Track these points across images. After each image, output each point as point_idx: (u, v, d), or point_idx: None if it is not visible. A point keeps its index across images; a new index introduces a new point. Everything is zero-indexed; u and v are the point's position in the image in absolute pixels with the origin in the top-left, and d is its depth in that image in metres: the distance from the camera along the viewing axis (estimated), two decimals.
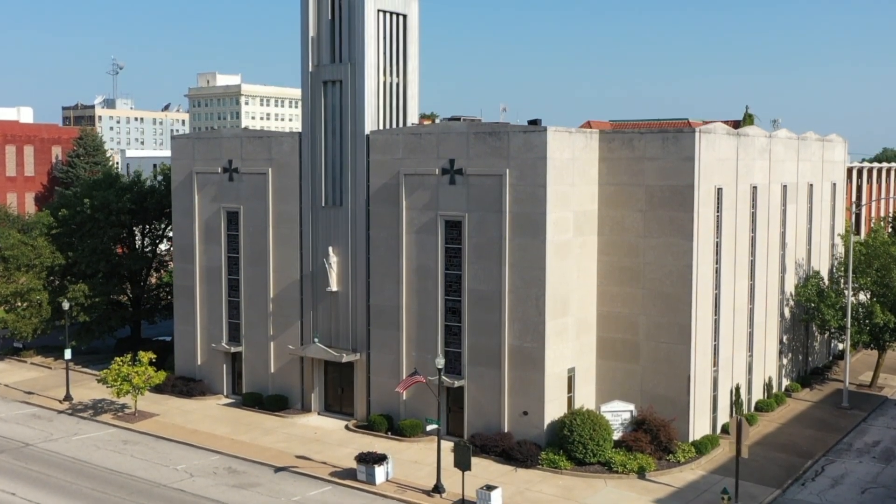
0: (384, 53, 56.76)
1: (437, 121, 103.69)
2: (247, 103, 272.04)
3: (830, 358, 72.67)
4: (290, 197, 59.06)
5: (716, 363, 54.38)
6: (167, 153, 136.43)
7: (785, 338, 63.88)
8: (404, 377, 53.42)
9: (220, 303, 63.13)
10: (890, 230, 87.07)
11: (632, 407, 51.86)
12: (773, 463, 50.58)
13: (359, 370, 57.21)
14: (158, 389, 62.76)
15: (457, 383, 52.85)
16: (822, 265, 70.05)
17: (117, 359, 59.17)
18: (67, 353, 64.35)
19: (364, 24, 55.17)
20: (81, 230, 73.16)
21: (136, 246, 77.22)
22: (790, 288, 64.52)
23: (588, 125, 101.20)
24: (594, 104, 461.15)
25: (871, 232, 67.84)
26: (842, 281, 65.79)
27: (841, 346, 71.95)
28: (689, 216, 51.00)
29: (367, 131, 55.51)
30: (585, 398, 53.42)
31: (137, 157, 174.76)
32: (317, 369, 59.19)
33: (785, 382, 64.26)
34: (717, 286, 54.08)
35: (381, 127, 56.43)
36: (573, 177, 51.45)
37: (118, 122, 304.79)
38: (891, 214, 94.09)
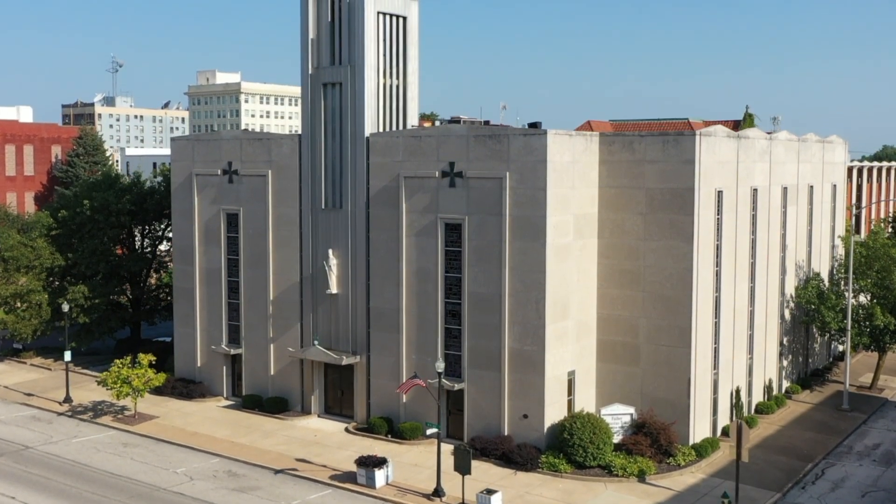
0: (384, 55, 56.68)
1: (437, 121, 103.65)
2: (246, 101, 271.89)
3: (830, 359, 72.65)
4: (289, 199, 58.99)
5: (716, 366, 54.35)
6: (167, 151, 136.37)
7: (785, 340, 63.84)
8: (405, 380, 53.44)
9: (220, 305, 63.08)
10: (890, 230, 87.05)
11: (632, 410, 51.83)
12: (773, 466, 50.56)
13: (359, 373, 57.18)
14: (158, 391, 62.70)
15: (457, 386, 52.82)
16: (823, 267, 70.01)
17: (117, 361, 59.15)
18: (67, 355, 64.32)
19: (364, 27, 55.09)
20: (81, 231, 73.09)
21: (136, 247, 77.15)
22: (790, 290, 64.48)
23: (588, 125, 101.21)
24: (594, 102, 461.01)
25: (872, 234, 67.74)
26: (842, 283, 65.74)
27: (841, 348, 71.91)
28: (690, 219, 50.95)
29: (366, 133, 55.44)
30: (585, 401, 53.40)
31: (137, 156, 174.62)
32: (317, 371, 59.15)
33: (785, 384, 64.24)
34: (718, 289, 54.03)
35: (380, 129, 56.36)
36: (573, 180, 51.39)
37: (118, 119, 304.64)
38: (891, 215, 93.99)
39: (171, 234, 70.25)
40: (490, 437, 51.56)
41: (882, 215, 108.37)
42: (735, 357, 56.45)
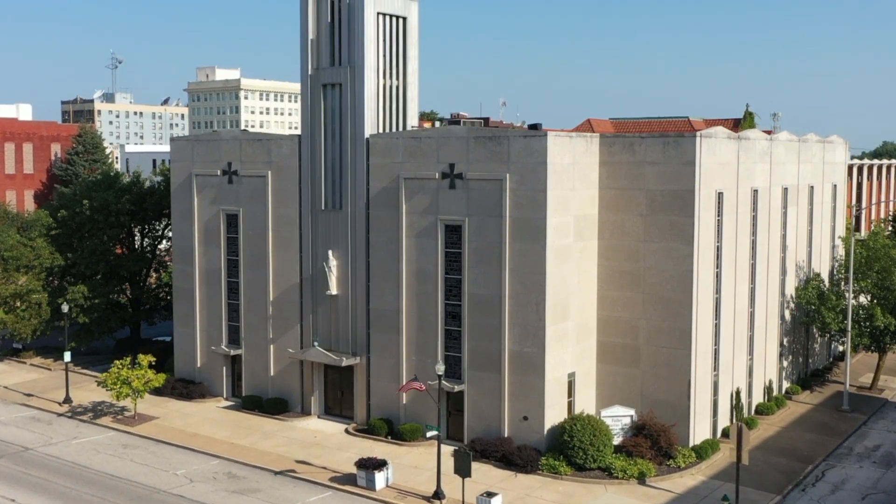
0: (384, 56, 56.57)
1: (437, 119, 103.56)
2: (246, 98, 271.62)
3: (831, 359, 72.61)
4: (289, 200, 58.92)
5: (716, 367, 54.31)
6: (166, 148, 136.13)
7: (785, 340, 63.80)
8: (404, 382, 53.45)
9: (220, 305, 63.03)
10: (890, 229, 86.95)
11: (632, 412, 51.80)
12: (773, 468, 50.53)
13: (359, 374, 57.14)
14: (158, 391, 62.60)
15: (457, 388, 52.79)
16: (823, 267, 69.95)
17: (117, 362, 59.11)
18: (67, 356, 64.26)
19: (364, 27, 54.97)
20: (81, 231, 73.02)
21: (136, 246, 77.06)
22: (791, 290, 64.43)
23: (588, 123, 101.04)
24: (594, 100, 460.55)
25: (872, 234, 67.65)
26: (842, 283, 65.68)
27: (841, 348, 71.88)
28: (690, 221, 50.87)
29: (366, 134, 55.34)
30: (586, 403, 53.36)
31: (137, 153, 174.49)
32: (317, 372, 59.11)
33: (785, 385, 64.20)
34: (718, 290, 53.98)
35: (380, 129, 56.27)
36: (573, 181, 51.31)
37: (117, 116, 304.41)
38: (891, 214, 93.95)
39: (170, 234, 70.19)
40: (490, 438, 51.54)
41: (882, 215, 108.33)
42: (735, 358, 56.41)
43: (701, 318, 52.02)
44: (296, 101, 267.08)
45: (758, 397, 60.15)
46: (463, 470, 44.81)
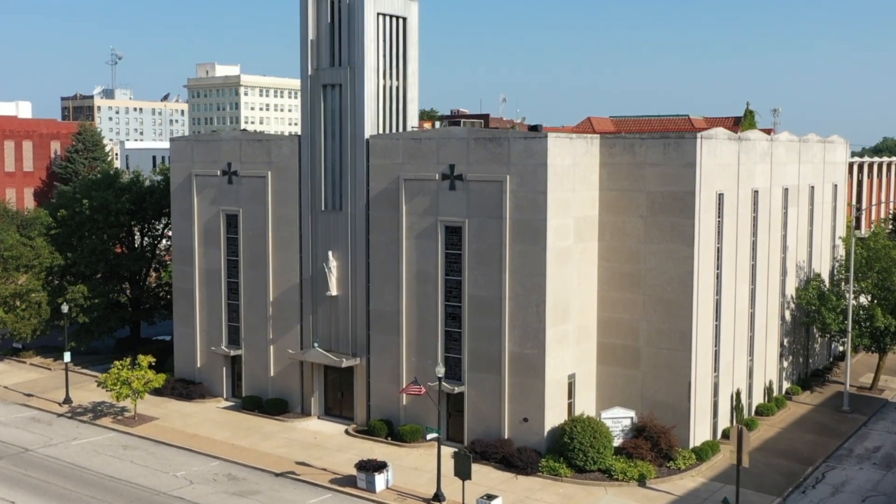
0: (384, 57, 56.45)
1: (437, 118, 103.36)
2: (246, 94, 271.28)
3: (831, 359, 72.56)
4: (289, 200, 58.84)
5: (716, 368, 54.27)
6: (166, 145, 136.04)
7: (786, 341, 63.75)
8: (404, 384, 53.48)
9: (220, 306, 62.98)
10: (890, 228, 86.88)
11: (632, 413, 51.76)
12: (773, 470, 50.51)
13: (359, 375, 57.10)
14: (158, 392, 62.52)
15: (457, 389, 52.75)
16: (823, 267, 69.88)
17: (116, 363, 59.09)
18: (67, 356, 64.22)
19: (364, 28, 54.85)
20: (80, 230, 72.94)
21: (136, 245, 77.00)
22: (791, 291, 64.37)
23: (588, 121, 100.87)
24: (594, 96, 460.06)
25: (872, 234, 67.55)
26: (843, 283, 65.61)
27: (841, 348, 71.85)
28: (691, 222, 50.80)
29: (366, 135, 55.25)
30: (586, 404, 53.33)
31: (137, 149, 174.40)
32: (317, 373, 59.07)
33: (785, 385, 64.17)
34: (718, 291, 53.92)
35: (380, 130, 56.17)
36: (574, 183, 51.23)
37: (117, 112, 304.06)
38: (891, 213, 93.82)
39: (170, 233, 70.12)
40: (490, 440, 51.51)
41: (882, 215, 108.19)
42: (735, 359, 56.37)
43: (701, 320, 51.97)
44: (296, 98, 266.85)
45: (758, 398, 60.12)
46: (463, 472, 44.78)
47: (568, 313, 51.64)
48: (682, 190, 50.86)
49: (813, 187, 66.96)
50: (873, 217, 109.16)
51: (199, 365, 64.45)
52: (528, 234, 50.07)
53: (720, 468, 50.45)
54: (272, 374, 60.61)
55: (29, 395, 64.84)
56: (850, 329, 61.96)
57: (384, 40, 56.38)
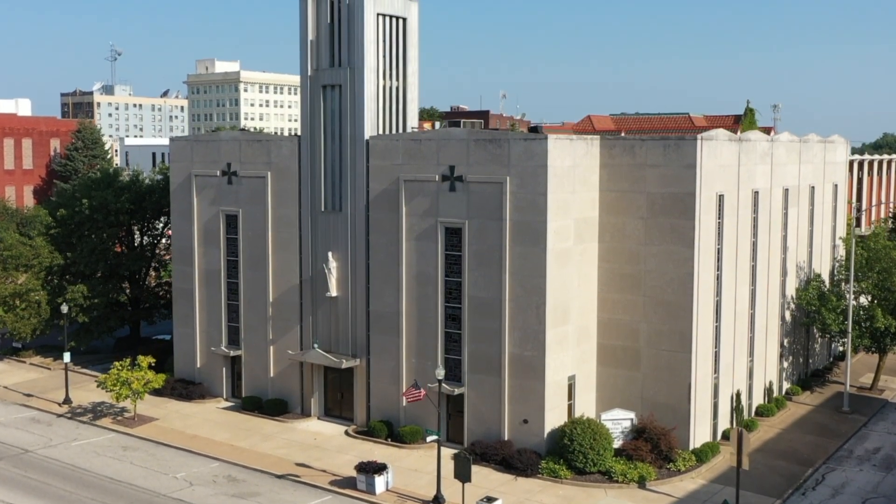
0: (384, 57, 56.34)
1: (437, 120, 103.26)
2: (245, 90, 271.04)
3: (831, 359, 72.52)
4: (289, 201, 58.76)
5: (716, 370, 54.23)
6: (166, 141, 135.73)
7: (786, 341, 63.71)
8: (404, 385, 53.51)
9: (220, 306, 62.93)
10: (890, 227, 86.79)
11: (632, 415, 51.73)
12: (773, 471, 50.49)
13: (358, 376, 57.07)
14: (158, 392, 62.42)
15: (457, 390, 52.72)
16: (824, 267, 69.82)
17: (116, 363, 59.07)
18: (66, 357, 64.17)
19: (363, 28, 54.73)
20: (80, 230, 72.85)
21: (135, 245, 76.92)
22: (791, 291, 64.31)
23: (588, 120, 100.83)
24: (595, 93, 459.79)
25: (872, 235, 67.45)
26: (843, 284, 65.53)
27: (841, 348, 71.82)
28: (691, 224, 50.74)
29: (366, 136, 55.16)
30: (586, 406, 53.30)
31: (136, 146, 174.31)
32: (316, 374, 59.04)
33: (785, 386, 64.14)
34: (719, 293, 53.87)
35: (380, 131, 56.08)
36: (574, 184, 51.16)
37: (116, 108, 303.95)
38: (891, 211, 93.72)
39: (170, 232, 70.05)
40: (490, 441, 51.48)
41: (883, 215, 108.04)
42: (735, 360, 56.33)
43: (701, 321, 51.92)
44: (296, 94, 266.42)
45: (758, 399, 60.09)
46: (463, 475, 44.76)
47: (568, 315, 51.60)
48: (682, 191, 50.79)
49: (813, 187, 66.88)
50: (873, 216, 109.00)
51: (198, 365, 64.42)
52: (529, 236, 50.01)
53: (720, 470, 50.43)
54: (272, 374, 60.58)
55: (29, 395, 64.82)
56: (850, 330, 61.91)
57: (384, 41, 56.26)
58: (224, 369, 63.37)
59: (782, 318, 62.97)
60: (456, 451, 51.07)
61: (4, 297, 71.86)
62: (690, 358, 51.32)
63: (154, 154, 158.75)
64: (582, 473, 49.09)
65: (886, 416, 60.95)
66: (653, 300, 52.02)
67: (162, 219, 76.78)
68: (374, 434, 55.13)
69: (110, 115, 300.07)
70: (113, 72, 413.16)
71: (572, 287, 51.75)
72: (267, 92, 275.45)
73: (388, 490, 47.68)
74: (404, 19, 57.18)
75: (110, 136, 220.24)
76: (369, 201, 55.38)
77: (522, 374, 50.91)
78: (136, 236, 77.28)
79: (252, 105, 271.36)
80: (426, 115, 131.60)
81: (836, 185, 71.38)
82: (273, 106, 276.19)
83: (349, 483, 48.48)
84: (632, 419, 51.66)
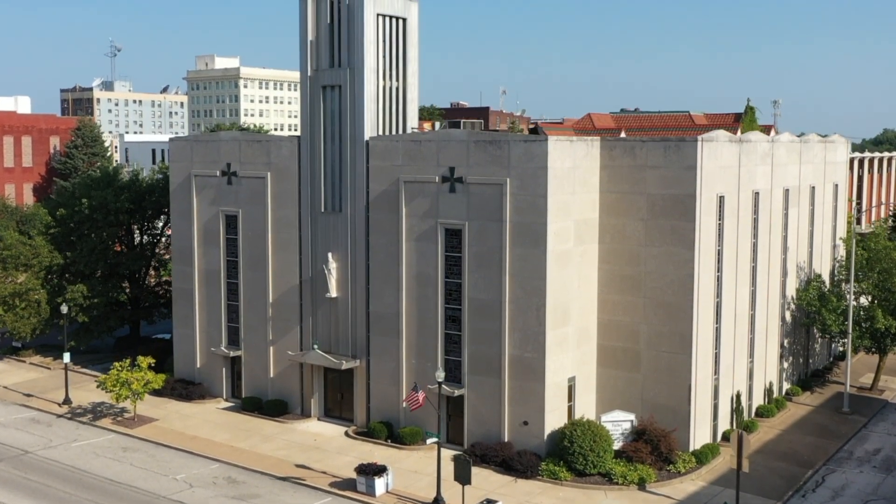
0: (384, 58, 56.22)
1: (437, 118, 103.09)
2: (245, 86, 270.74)
3: (831, 359, 72.49)
4: (289, 201, 58.68)
5: (717, 371, 54.20)
6: (166, 138, 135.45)
7: (786, 341, 63.67)
8: (404, 386, 53.54)
9: (219, 306, 62.87)
10: (891, 225, 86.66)
11: (632, 417, 51.69)
12: (773, 473, 50.47)
13: (358, 377, 57.04)
14: (158, 392, 62.29)
15: (457, 392, 52.69)
16: (824, 268, 69.76)
17: (116, 364, 59.04)
18: (66, 357, 64.11)
19: (363, 29, 54.60)
20: (80, 229, 72.79)
21: (135, 244, 76.85)
22: (791, 292, 64.26)
23: (588, 117, 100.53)
24: (595, 89, 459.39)
25: (873, 235, 67.37)
26: (843, 284, 65.46)
27: (841, 348, 71.78)
28: (691, 225, 50.67)
29: (366, 137, 55.07)
30: (586, 407, 53.27)
31: (136, 142, 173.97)
32: (316, 374, 59.00)
33: (785, 386, 64.11)
34: (719, 294, 53.81)
35: (380, 131, 55.99)
36: (574, 185, 51.08)
37: (116, 104, 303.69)
38: (891, 212, 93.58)
39: (170, 231, 69.98)
40: (490, 443, 51.45)
41: (883, 215, 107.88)
42: (736, 361, 56.30)
43: (702, 323, 51.88)
44: (295, 90, 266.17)
45: (758, 399, 60.06)
46: (463, 477, 44.75)
47: (568, 316, 51.55)
48: (682, 193, 50.73)
49: (814, 188, 66.81)
50: (874, 216, 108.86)
51: (198, 365, 64.38)
52: (529, 238, 49.95)
53: (720, 471, 50.41)
54: (272, 375, 60.54)
55: (28, 396, 64.79)
56: (850, 330, 61.86)
57: (384, 41, 56.14)
58: (224, 370, 63.33)
59: (782, 318, 62.92)
60: (456, 452, 51.14)
61: (4, 297, 71.76)
62: (690, 359, 51.28)
63: (154, 151, 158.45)
64: (582, 475, 49.06)
65: (886, 417, 60.91)
66: (653, 302, 51.97)
67: (162, 218, 76.72)
68: (374, 435, 55.11)
69: (110, 111, 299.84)
70: (113, 68, 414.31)
71: (572, 288, 51.70)
72: (267, 88, 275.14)
73: (388, 492, 47.67)
74: (404, 19, 57.05)
75: (110, 132, 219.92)
76: (369, 202, 55.31)
77: (522, 376, 50.88)
78: (135, 235, 77.20)
79: (252, 101, 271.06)
80: (425, 113, 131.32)
81: (836, 185, 71.30)
82: (273, 102, 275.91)
83: (349, 485, 48.46)
84: (632, 421, 51.63)
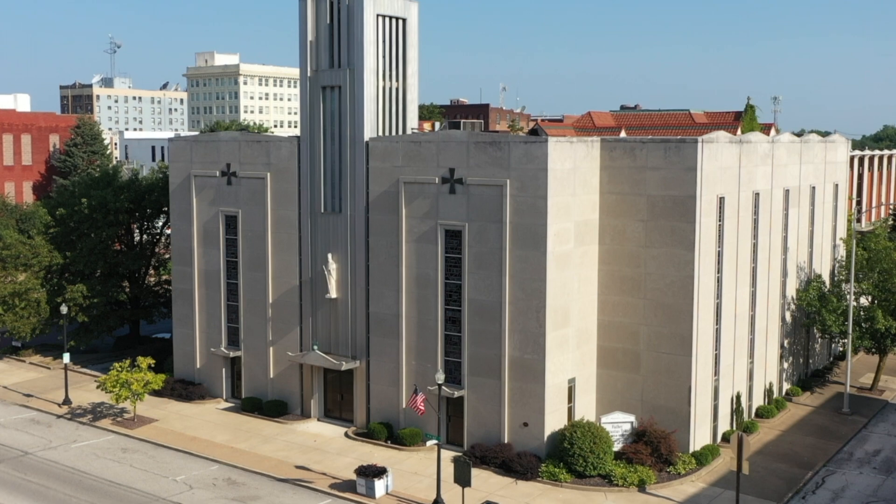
0: (383, 58, 56.12)
1: (437, 118, 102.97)
2: (245, 83, 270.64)
3: (831, 359, 72.46)
4: (288, 202, 58.62)
5: (717, 372, 54.17)
6: (165, 135, 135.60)
7: (786, 342, 63.63)
8: (404, 387, 53.57)
9: (219, 307, 62.83)
10: (891, 222, 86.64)
11: (632, 418, 51.67)
12: (773, 474, 50.45)
13: (358, 378, 57.01)
14: (157, 392, 62.33)
15: (456, 393, 52.66)
16: (824, 268, 69.70)
17: (116, 364, 59.01)
18: (66, 357, 64.06)
19: (363, 29, 54.50)
20: (79, 229, 72.73)
21: (135, 243, 76.80)
22: (791, 292, 64.20)
23: (589, 116, 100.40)
24: (595, 86, 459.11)
25: (873, 235, 67.30)
26: (843, 284, 65.41)
27: (841, 349, 71.73)
28: (691, 226, 50.61)
29: (366, 137, 54.99)
30: (586, 408, 53.25)
31: (136, 139, 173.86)
32: (316, 375, 58.98)
33: (785, 386, 64.08)
34: (719, 295, 53.76)
35: (380, 132, 55.92)
36: (574, 187, 51.01)
37: (116, 101, 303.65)
38: (891, 211, 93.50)
39: (169, 231, 69.93)
40: (490, 444, 51.44)
41: (883, 214, 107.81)
42: (736, 362, 56.26)
43: (702, 324, 51.84)
44: (295, 87, 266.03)
45: (758, 400, 60.03)
46: (463, 479, 44.73)
47: (568, 317, 51.51)
48: (682, 194, 50.66)
49: (814, 188, 66.73)
50: (874, 216, 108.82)
51: (198, 366, 64.35)
52: (529, 239, 49.89)
53: (720, 473, 50.40)
54: (272, 375, 60.52)
55: (28, 396, 64.78)
56: (850, 331, 61.82)
57: (384, 42, 56.04)
58: (224, 370, 63.30)
59: (782, 318, 62.87)
60: (456, 453, 51.17)
61: (4, 297, 71.72)
62: (691, 360, 51.25)
63: (153, 148, 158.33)
64: (582, 477, 49.05)
65: (886, 418, 60.88)
66: (653, 303, 51.92)
67: (161, 217, 76.66)
68: (374, 436, 55.10)
69: (109, 107, 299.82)
70: (112, 64, 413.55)
71: (572, 290, 51.65)
72: (267, 85, 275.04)
73: (387, 493, 47.67)
74: (404, 20, 56.95)
75: (109, 129, 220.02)
76: (369, 203, 55.25)
77: (522, 377, 50.85)
78: (135, 235, 77.16)
79: (252, 98, 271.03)
80: (425, 111, 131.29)
81: (836, 185, 71.22)
82: (273, 99, 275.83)
83: (349, 486, 48.45)
84: (632, 422, 51.61)
